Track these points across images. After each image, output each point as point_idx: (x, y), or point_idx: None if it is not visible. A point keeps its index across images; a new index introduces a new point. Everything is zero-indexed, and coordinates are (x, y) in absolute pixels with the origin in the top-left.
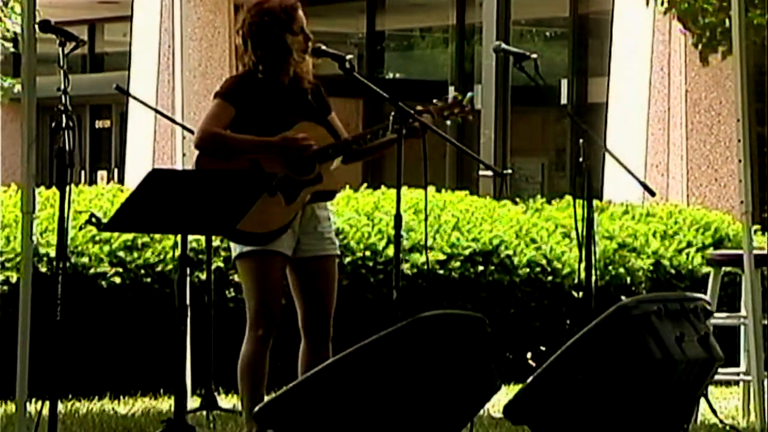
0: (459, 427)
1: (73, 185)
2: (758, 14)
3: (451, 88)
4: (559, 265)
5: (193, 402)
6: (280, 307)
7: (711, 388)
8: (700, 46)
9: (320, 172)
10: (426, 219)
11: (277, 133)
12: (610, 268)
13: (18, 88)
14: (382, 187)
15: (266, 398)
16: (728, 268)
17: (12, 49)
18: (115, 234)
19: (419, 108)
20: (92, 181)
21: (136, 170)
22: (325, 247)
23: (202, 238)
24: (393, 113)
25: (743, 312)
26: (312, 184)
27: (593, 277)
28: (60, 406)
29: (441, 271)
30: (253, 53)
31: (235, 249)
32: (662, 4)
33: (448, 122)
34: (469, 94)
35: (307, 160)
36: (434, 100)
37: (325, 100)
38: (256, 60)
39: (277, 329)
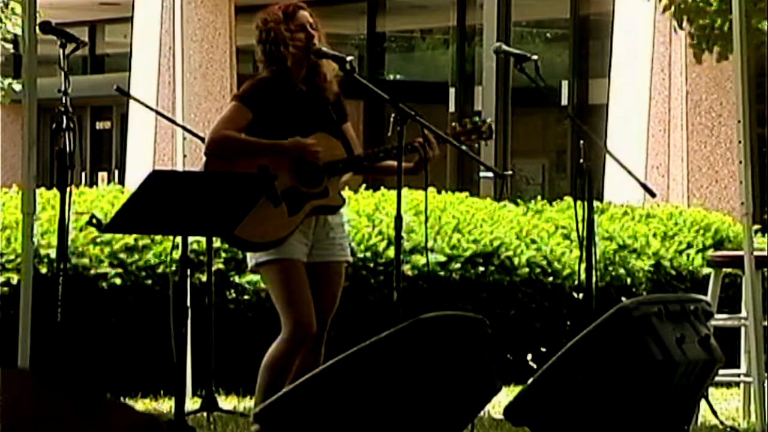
0: (459, 428)
1: (73, 186)
2: (759, 20)
3: (452, 90)
4: (560, 267)
5: (193, 403)
6: (313, 311)
7: (711, 390)
8: (695, 44)
9: (327, 186)
10: (426, 220)
11: None
12: (611, 269)
13: (18, 87)
14: (383, 188)
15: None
16: (729, 270)
17: (12, 51)
18: (116, 235)
19: (440, 133)
20: (93, 182)
21: (137, 171)
22: (335, 253)
23: (203, 239)
24: (394, 115)
25: (744, 313)
26: (317, 198)
27: (593, 279)
28: None
29: (441, 273)
30: (262, 54)
31: (251, 259)
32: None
33: (464, 147)
34: (489, 119)
35: (317, 172)
36: (453, 124)
37: (343, 108)
38: (262, 59)
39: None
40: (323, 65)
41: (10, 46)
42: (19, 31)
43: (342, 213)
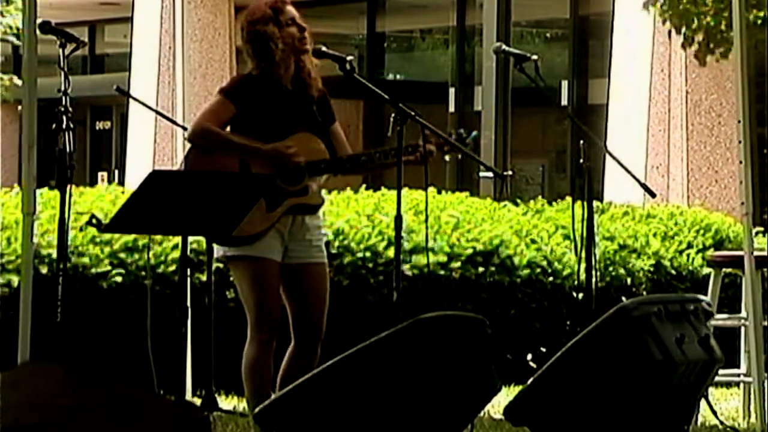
0: (459, 428)
1: (73, 186)
2: (758, 14)
3: (452, 90)
4: (560, 267)
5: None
6: (279, 310)
7: (711, 390)
8: (696, 47)
9: (308, 185)
10: (426, 220)
11: (275, 138)
12: (611, 269)
13: (19, 83)
14: (383, 188)
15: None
16: (729, 270)
17: (16, 42)
18: (116, 235)
19: (427, 134)
20: (93, 182)
21: (137, 171)
22: (313, 254)
23: (203, 239)
24: (393, 114)
25: (744, 313)
26: (296, 196)
27: (593, 279)
28: None
29: (441, 273)
30: (247, 52)
31: (218, 250)
32: (660, 5)
33: (447, 158)
34: (474, 133)
35: (297, 171)
36: (440, 132)
37: (329, 109)
38: (251, 57)
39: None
40: (307, 62)
41: (14, 39)
42: (20, 25)
43: (319, 216)
